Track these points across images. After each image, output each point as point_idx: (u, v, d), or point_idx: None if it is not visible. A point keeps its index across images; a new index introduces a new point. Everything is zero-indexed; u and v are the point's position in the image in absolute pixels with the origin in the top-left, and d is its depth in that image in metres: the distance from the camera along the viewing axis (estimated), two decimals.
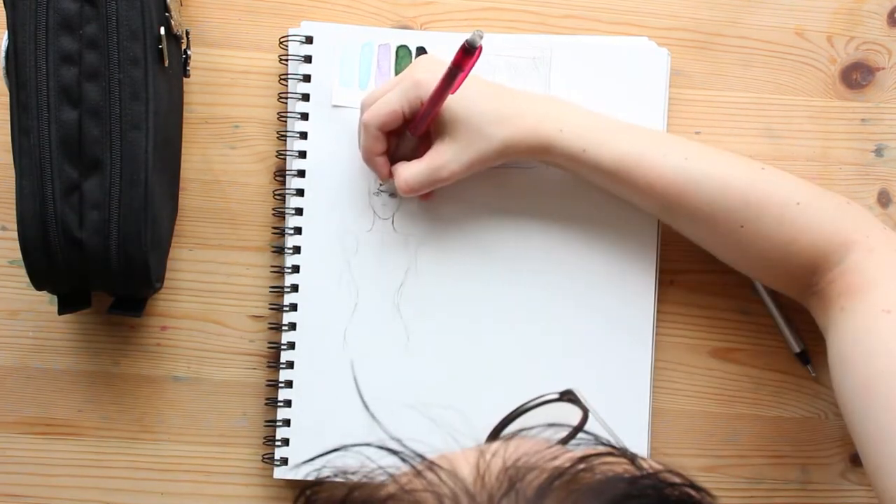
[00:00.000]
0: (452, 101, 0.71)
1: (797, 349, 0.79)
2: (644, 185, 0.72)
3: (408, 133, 0.74)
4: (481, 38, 0.64)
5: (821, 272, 0.71)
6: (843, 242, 0.70)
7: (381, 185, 0.78)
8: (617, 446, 0.43)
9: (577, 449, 0.44)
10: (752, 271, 0.75)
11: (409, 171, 0.73)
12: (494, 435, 0.46)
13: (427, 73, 0.70)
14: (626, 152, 0.72)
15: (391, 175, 0.75)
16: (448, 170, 0.73)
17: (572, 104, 0.74)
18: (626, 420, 0.78)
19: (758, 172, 0.72)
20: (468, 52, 0.66)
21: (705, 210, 0.71)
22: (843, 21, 0.81)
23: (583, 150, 0.72)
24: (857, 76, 0.81)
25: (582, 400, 0.54)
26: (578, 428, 0.52)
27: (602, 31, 0.80)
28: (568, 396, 0.55)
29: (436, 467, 0.40)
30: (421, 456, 0.41)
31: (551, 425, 0.48)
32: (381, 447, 0.42)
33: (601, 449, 0.42)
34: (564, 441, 0.47)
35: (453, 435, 0.49)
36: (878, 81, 0.81)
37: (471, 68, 0.67)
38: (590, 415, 0.53)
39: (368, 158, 0.74)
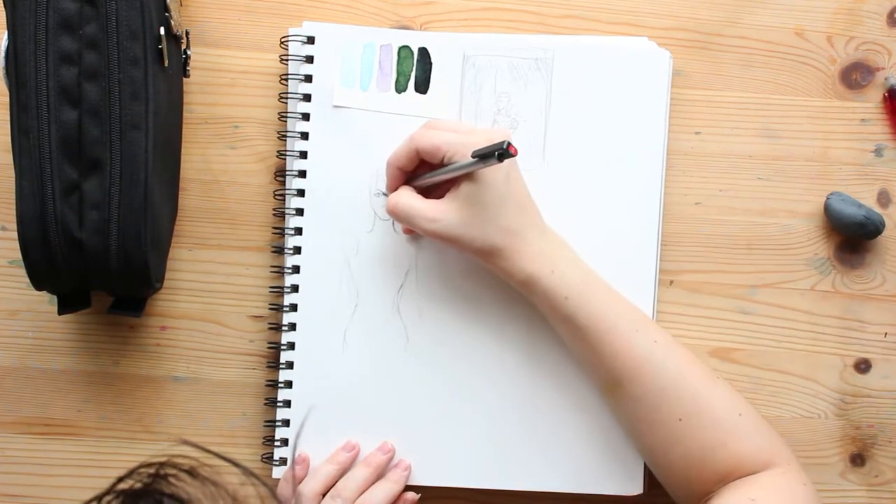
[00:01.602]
0: (486, 177, 0.70)
1: None
2: (608, 352, 0.72)
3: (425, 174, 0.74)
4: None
5: (727, 482, 0.71)
6: (766, 460, 0.71)
7: (383, 191, 0.78)
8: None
9: None
10: (666, 470, 0.74)
11: (405, 199, 0.73)
12: None
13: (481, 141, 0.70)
14: (603, 314, 0.72)
15: (394, 191, 0.75)
16: (433, 227, 0.71)
17: (571, 250, 0.74)
18: None
19: (713, 379, 0.73)
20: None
21: (654, 394, 0.72)
22: (843, 21, 0.81)
23: (565, 298, 0.72)
24: (857, 76, 0.81)
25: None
26: None
27: (602, 32, 0.80)
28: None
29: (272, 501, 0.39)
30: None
31: None
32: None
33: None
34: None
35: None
36: (878, 81, 0.81)
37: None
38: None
39: (391, 166, 0.74)
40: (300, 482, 0.76)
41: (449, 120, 0.77)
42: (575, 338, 0.73)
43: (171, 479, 0.40)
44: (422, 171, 0.74)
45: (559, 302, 0.72)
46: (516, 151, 0.64)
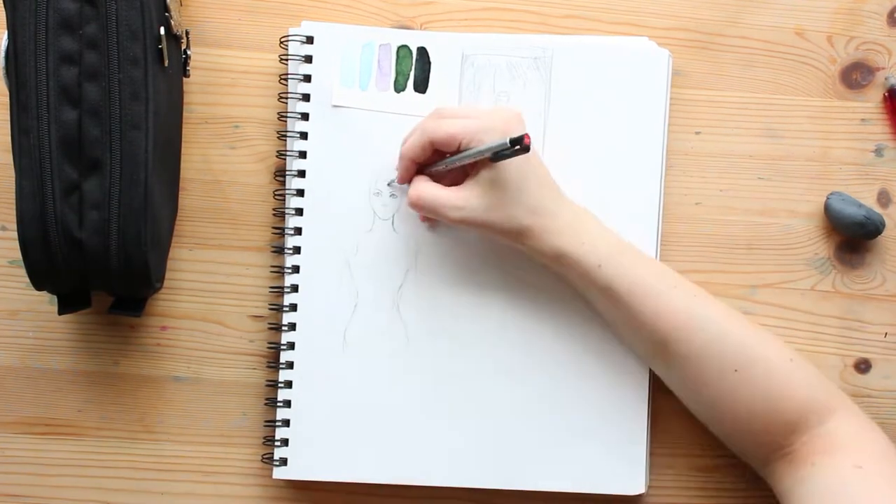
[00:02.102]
0: (506, 162, 0.70)
1: None
2: (650, 314, 0.72)
3: (448, 156, 0.73)
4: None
5: (799, 432, 0.71)
6: (825, 407, 0.71)
7: (389, 181, 0.78)
8: None
9: None
10: (730, 426, 0.74)
11: (427, 189, 0.73)
12: None
13: (509, 128, 0.70)
14: (641, 277, 0.72)
15: (408, 181, 0.75)
16: (460, 214, 0.72)
17: (597, 220, 0.74)
18: (626, 420, 0.78)
19: (755, 326, 0.74)
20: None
21: (702, 348, 0.71)
22: (843, 21, 0.81)
23: (598, 266, 0.72)
24: (857, 76, 0.81)
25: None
26: None
27: (602, 31, 0.80)
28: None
29: None
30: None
31: None
32: None
33: None
34: None
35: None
36: (878, 81, 0.81)
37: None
38: None
39: (404, 157, 0.74)
40: None
41: (454, 105, 0.76)
42: (614, 306, 0.73)
43: None
44: (434, 160, 0.74)
45: (594, 272, 0.72)
46: (530, 140, 0.65)
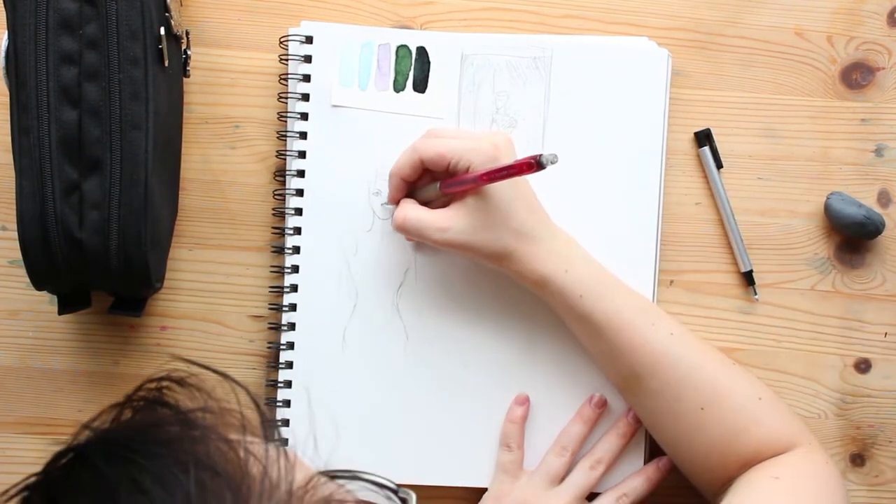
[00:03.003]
0: (494, 186, 0.70)
1: (745, 269, 0.80)
2: (626, 347, 0.72)
3: (438, 184, 0.73)
4: (554, 162, 0.65)
5: (750, 465, 0.72)
6: (788, 442, 0.72)
7: (382, 203, 0.77)
8: None
9: None
10: (689, 459, 0.74)
11: (412, 212, 0.73)
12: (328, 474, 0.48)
13: (499, 154, 0.70)
14: (619, 310, 0.72)
15: (396, 202, 0.75)
16: (445, 237, 0.72)
17: (583, 249, 0.74)
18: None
19: (729, 365, 0.74)
20: (535, 168, 0.66)
21: (673, 386, 0.72)
22: (843, 21, 0.81)
23: (580, 296, 0.72)
24: (857, 76, 0.81)
25: None
26: None
27: (602, 31, 0.80)
28: (401, 496, 0.56)
29: (281, 450, 0.41)
30: (284, 441, 0.43)
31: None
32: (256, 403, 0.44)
33: None
34: None
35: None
36: (878, 81, 0.81)
37: (525, 175, 0.68)
38: None
39: (394, 176, 0.74)
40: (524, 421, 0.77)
41: (448, 127, 0.77)
42: (591, 335, 0.74)
43: (167, 392, 0.44)
44: (424, 182, 0.75)
45: (574, 301, 0.72)
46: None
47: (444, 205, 0.74)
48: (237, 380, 0.44)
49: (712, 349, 0.75)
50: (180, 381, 0.44)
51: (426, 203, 0.75)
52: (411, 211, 0.73)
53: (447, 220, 0.72)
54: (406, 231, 0.74)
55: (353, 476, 0.48)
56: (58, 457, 0.42)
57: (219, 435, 0.41)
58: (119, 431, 0.43)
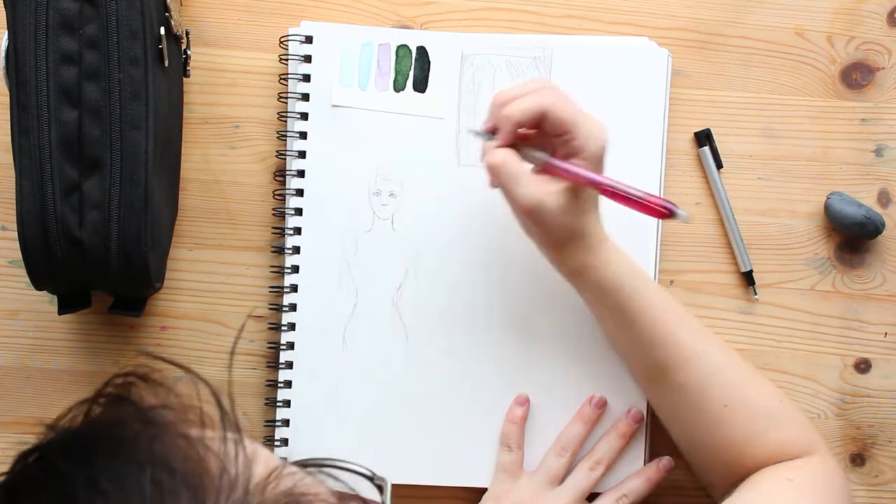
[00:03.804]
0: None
1: (745, 269, 0.80)
2: (658, 339, 0.72)
3: (545, 154, 0.69)
4: (686, 221, 0.66)
5: (765, 467, 0.72)
6: (805, 448, 0.73)
7: (477, 131, 0.71)
8: None
9: None
10: (705, 455, 0.75)
11: (510, 161, 0.68)
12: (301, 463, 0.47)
13: (606, 149, 0.68)
14: (652, 304, 0.72)
15: (490, 131, 0.70)
16: (530, 201, 0.67)
17: (614, 242, 0.73)
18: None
19: (750, 367, 0.75)
20: (665, 216, 0.66)
21: (700, 381, 0.72)
22: (843, 21, 0.81)
23: (617, 289, 0.72)
24: (857, 76, 0.81)
25: (385, 497, 0.54)
26: None
27: (602, 31, 0.80)
28: (377, 482, 0.55)
29: (240, 446, 0.41)
30: (239, 431, 0.42)
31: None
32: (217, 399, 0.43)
33: None
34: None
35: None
36: (878, 81, 0.81)
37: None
38: None
39: (509, 119, 0.68)
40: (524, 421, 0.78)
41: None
42: (623, 326, 0.73)
43: (132, 388, 0.44)
44: (521, 138, 0.70)
45: (612, 293, 0.72)
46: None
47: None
48: (199, 374, 0.44)
49: (735, 352, 0.76)
50: (144, 377, 0.44)
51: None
52: (511, 160, 0.68)
53: (540, 186, 0.68)
54: (498, 174, 0.68)
55: (323, 464, 0.48)
56: (23, 456, 0.42)
57: (178, 432, 0.41)
58: (81, 430, 0.43)
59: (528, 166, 0.69)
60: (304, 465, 0.46)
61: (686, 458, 0.77)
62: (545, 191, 0.68)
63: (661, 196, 0.65)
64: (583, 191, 0.69)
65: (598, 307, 0.74)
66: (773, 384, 0.75)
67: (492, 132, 0.69)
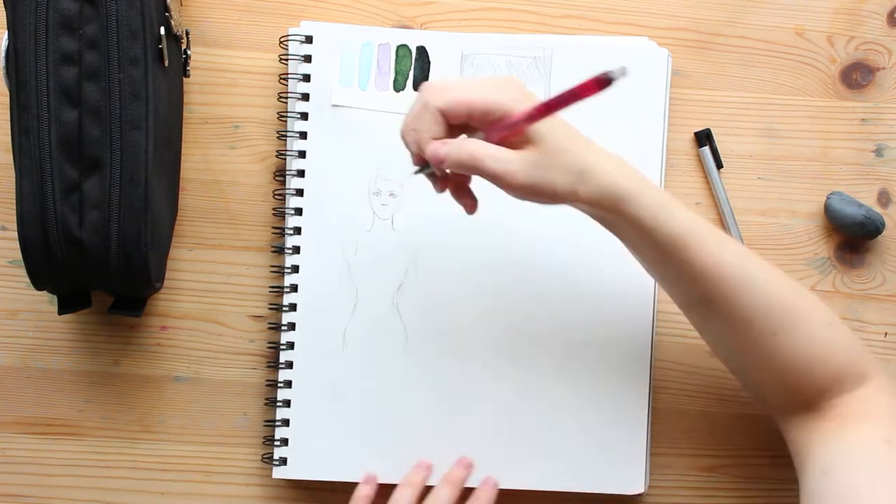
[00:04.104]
0: (548, 130, 0.65)
1: None
2: (699, 267, 0.68)
3: (480, 133, 0.67)
4: (624, 76, 0.60)
5: (830, 395, 0.70)
6: (861, 373, 0.70)
7: (415, 171, 0.70)
8: None
9: None
10: (761, 383, 0.72)
11: (468, 144, 0.65)
12: None
13: (517, 93, 0.65)
14: (690, 229, 0.68)
15: (421, 161, 0.68)
16: (514, 178, 0.65)
17: (639, 170, 0.69)
18: (626, 423, 0.78)
19: (799, 286, 0.71)
20: (603, 85, 0.61)
21: (746, 309, 0.69)
22: (843, 21, 0.81)
23: (654, 216, 0.67)
24: (857, 76, 0.81)
25: None
26: None
27: (602, 31, 0.80)
28: None
29: None
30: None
31: None
32: None
33: None
34: None
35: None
36: (878, 81, 0.81)
37: (589, 98, 0.62)
38: None
39: (417, 142, 0.66)
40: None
41: (447, 78, 0.70)
42: (662, 257, 0.69)
43: None
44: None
45: (649, 221, 0.67)
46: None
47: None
48: None
49: (783, 273, 0.71)
50: None
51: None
52: (468, 143, 0.65)
53: (508, 153, 0.65)
54: (461, 164, 0.65)
55: None
56: None
57: None
58: None
59: (486, 144, 0.65)
60: None
61: (742, 385, 0.75)
62: (507, 153, 0.65)
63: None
64: (541, 145, 0.65)
65: (636, 240, 0.70)
66: (823, 303, 0.71)
67: (424, 163, 0.68)
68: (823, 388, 0.70)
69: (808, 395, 0.70)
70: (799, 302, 0.70)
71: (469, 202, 0.70)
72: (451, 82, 0.67)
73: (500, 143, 0.65)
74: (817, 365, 0.69)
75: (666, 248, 0.68)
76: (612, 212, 0.68)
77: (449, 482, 0.76)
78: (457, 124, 0.66)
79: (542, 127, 0.65)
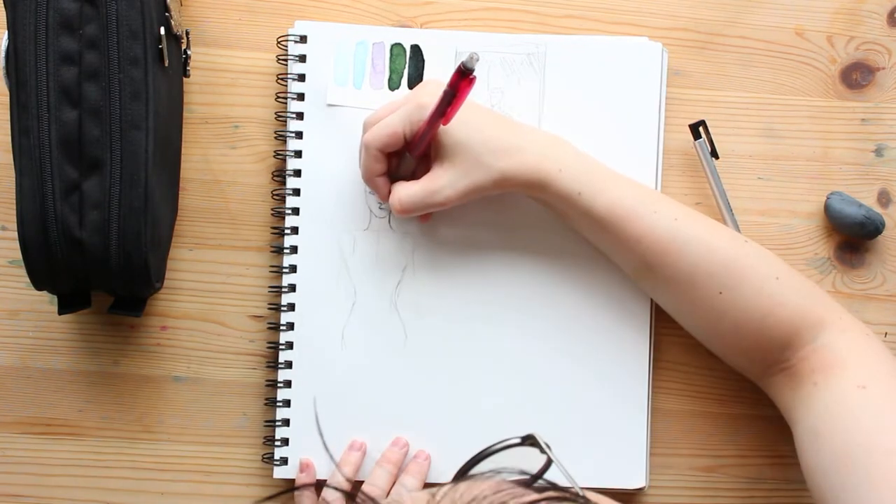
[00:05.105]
0: (453, 127, 0.71)
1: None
2: (632, 238, 0.71)
3: (407, 154, 0.73)
4: (477, 60, 0.64)
5: (793, 348, 0.71)
6: (817, 321, 0.71)
7: (381, 205, 0.78)
8: (572, 492, 0.44)
9: (530, 494, 0.44)
10: (721, 344, 0.74)
11: (404, 192, 0.73)
12: (459, 476, 0.46)
13: (430, 97, 0.70)
14: (619, 202, 0.71)
15: (387, 198, 0.75)
16: (443, 195, 0.72)
17: (571, 145, 0.74)
18: (626, 420, 0.78)
19: (741, 243, 0.72)
20: (464, 75, 0.65)
21: (686, 272, 0.71)
22: (843, 21, 0.81)
23: (578, 194, 0.71)
24: (857, 76, 0.81)
25: (542, 445, 0.54)
26: (539, 474, 0.52)
27: (602, 31, 0.80)
28: (530, 441, 0.55)
29: None
30: (373, 500, 0.41)
31: (520, 472, 0.50)
32: (336, 488, 0.42)
33: (553, 494, 0.43)
34: (524, 485, 0.46)
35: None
36: (878, 81, 0.81)
37: (467, 92, 0.67)
38: (553, 460, 0.53)
39: (368, 178, 0.74)
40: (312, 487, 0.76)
41: (376, 109, 0.74)
42: (596, 231, 0.73)
43: None
44: (395, 164, 0.74)
45: (574, 199, 0.71)
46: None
47: (426, 170, 0.74)
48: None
49: (723, 229, 0.73)
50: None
51: (414, 177, 0.74)
52: (402, 192, 0.73)
53: (436, 180, 0.72)
54: (409, 211, 0.73)
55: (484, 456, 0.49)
56: None
57: None
58: None
59: (416, 184, 0.73)
60: (461, 477, 0.44)
61: (707, 347, 0.76)
62: (435, 178, 0.72)
63: None
64: (453, 144, 0.71)
65: (569, 218, 0.74)
66: (770, 255, 0.72)
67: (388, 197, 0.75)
68: (783, 343, 0.71)
69: (770, 351, 0.71)
70: (742, 260, 0.71)
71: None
72: (378, 113, 0.73)
73: (429, 154, 0.73)
74: (768, 318, 0.70)
75: (592, 225, 0.72)
76: (538, 190, 0.72)
77: (386, 461, 0.76)
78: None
79: (459, 133, 0.71)
